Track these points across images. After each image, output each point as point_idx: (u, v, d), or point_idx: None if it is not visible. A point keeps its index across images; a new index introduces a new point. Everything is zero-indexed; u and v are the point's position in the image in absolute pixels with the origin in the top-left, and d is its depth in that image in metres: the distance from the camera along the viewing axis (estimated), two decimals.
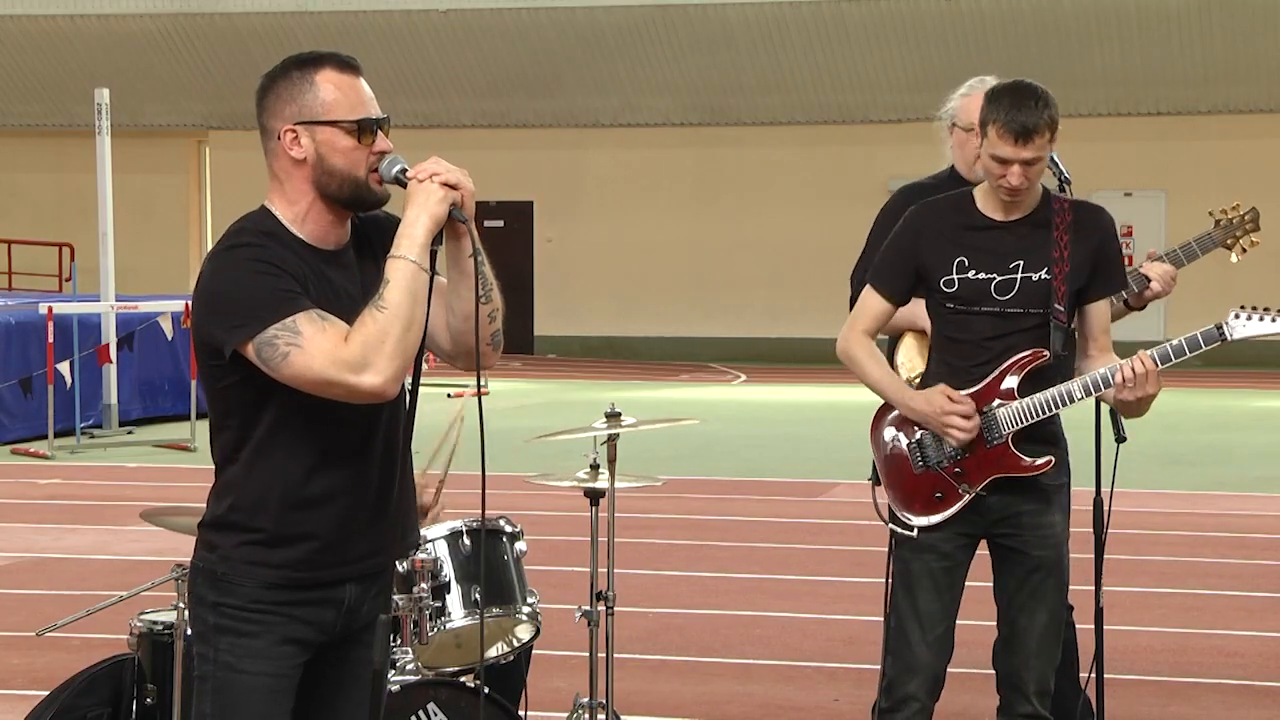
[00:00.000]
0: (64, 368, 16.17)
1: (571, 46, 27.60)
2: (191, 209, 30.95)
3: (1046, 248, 4.84)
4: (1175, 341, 4.83)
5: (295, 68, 3.61)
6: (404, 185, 3.56)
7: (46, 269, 29.76)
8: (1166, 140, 27.34)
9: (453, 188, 3.51)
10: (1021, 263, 4.84)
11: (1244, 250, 5.88)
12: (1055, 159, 5.44)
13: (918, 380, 5.19)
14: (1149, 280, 5.60)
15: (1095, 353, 4.95)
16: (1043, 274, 4.83)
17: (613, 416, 5.67)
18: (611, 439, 5.70)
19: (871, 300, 5.00)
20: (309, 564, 3.62)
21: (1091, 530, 5.44)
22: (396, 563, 5.18)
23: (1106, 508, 5.37)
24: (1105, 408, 5.21)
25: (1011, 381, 4.84)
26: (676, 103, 28.68)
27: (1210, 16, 25.55)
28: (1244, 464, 15.36)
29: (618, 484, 5.75)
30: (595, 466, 5.78)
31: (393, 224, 3.60)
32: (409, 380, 3.66)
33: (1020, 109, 4.69)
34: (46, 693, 5.16)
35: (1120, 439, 5.35)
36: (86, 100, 19.32)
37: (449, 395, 21.14)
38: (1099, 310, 4.96)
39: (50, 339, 16.15)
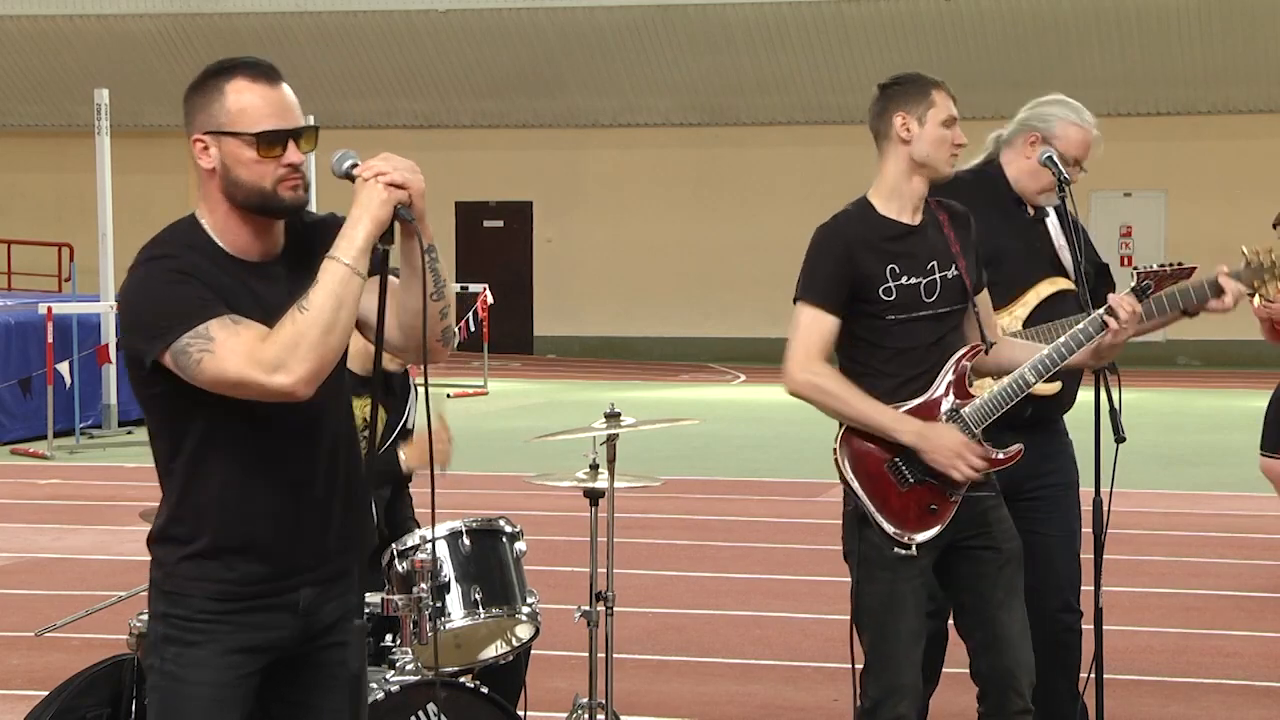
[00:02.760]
0: (63, 368, 16.17)
1: (571, 47, 27.59)
2: (190, 209, 30.94)
3: (946, 246, 4.91)
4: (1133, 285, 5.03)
5: (210, 76, 3.56)
6: (354, 181, 3.49)
7: (46, 269, 29.76)
8: (1166, 140, 27.33)
9: (400, 187, 3.42)
10: (935, 263, 4.88)
11: (1269, 300, 5.82)
12: (1054, 159, 5.44)
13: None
14: (1222, 291, 5.56)
15: (993, 339, 5.00)
16: (952, 271, 4.89)
17: (612, 417, 5.67)
18: (611, 439, 5.70)
19: (821, 322, 4.82)
20: (252, 577, 3.59)
21: (1091, 530, 5.45)
22: (397, 562, 5.20)
23: (1106, 508, 5.36)
24: (1105, 408, 5.21)
25: (960, 379, 4.86)
26: (676, 103, 28.67)
27: (1210, 17, 25.54)
28: (1244, 464, 15.30)
29: (617, 484, 5.75)
30: (595, 466, 5.78)
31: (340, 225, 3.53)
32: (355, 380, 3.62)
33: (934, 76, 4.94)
34: (46, 693, 5.15)
35: (1120, 439, 5.35)
36: (86, 101, 19.31)
37: (448, 395, 21.15)
38: (986, 299, 5.04)
39: (50, 339, 16.15)
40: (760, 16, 26.50)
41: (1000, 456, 4.89)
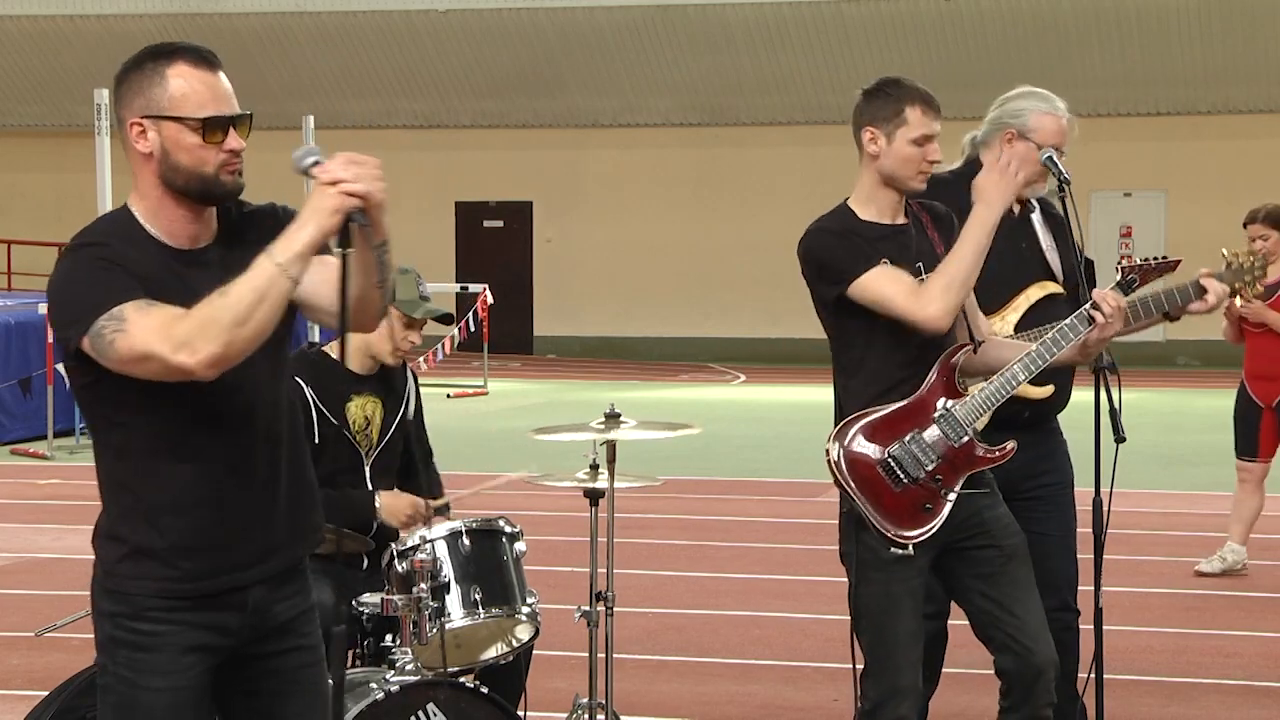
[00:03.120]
0: (63, 368, 16.15)
1: (571, 47, 27.59)
2: None
3: (930, 246, 4.92)
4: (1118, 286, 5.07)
5: (149, 59, 3.53)
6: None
7: (46, 269, 29.38)
8: (1166, 140, 27.33)
9: (359, 196, 3.36)
10: (921, 264, 4.89)
11: (1248, 300, 5.88)
12: (1054, 159, 5.44)
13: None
14: (1205, 291, 5.57)
15: (980, 338, 5.00)
16: None
17: (612, 417, 5.67)
18: (610, 440, 5.71)
19: (885, 272, 4.78)
20: (193, 574, 3.56)
21: (1091, 530, 5.45)
22: (395, 563, 5.20)
23: (1106, 508, 5.37)
24: (1105, 408, 5.21)
25: (953, 378, 4.87)
26: (676, 103, 28.67)
27: (1210, 17, 25.54)
28: None
29: (617, 484, 5.75)
30: (595, 467, 5.78)
31: (287, 217, 3.51)
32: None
33: (921, 88, 4.88)
34: (46, 693, 5.16)
35: (1120, 439, 5.36)
36: (86, 101, 19.30)
37: (448, 395, 21.15)
38: (972, 298, 5.02)
39: (50, 339, 16.15)
40: (760, 16, 26.50)
41: (996, 453, 4.89)
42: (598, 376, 25.41)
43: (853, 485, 4.84)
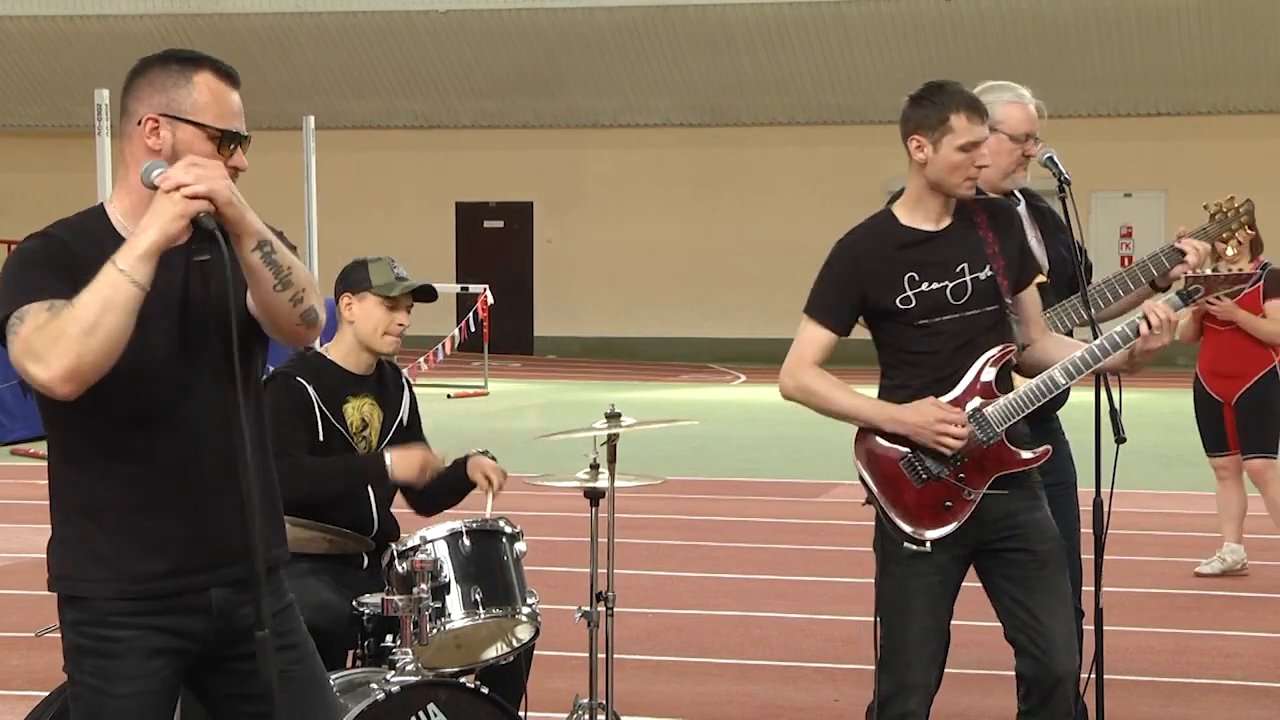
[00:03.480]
0: None
1: (571, 47, 27.59)
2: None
3: (980, 246, 4.92)
4: (1171, 297, 5.02)
5: (176, 61, 3.56)
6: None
7: None
8: (1166, 141, 27.33)
9: (202, 197, 3.34)
10: (966, 265, 4.89)
11: (1239, 243, 5.87)
12: (1055, 159, 5.44)
13: None
14: (1182, 254, 5.57)
15: (1038, 336, 5.04)
16: (986, 271, 4.90)
17: (613, 417, 5.67)
18: (611, 439, 5.71)
19: (815, 334, 4.94)
20: (142, 576, 3.53)
21: (1092, 530, 5.45)
22: (395, 563, 5.19)
23: (1106, 508, 5.37)
24: (1105, 408, 5.22)
25: (988, 379, 4.88)
26: (676, 103, 28.67)
27: (1210, 17, 25.54)
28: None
29: (617, 484, 5.75)
30: (595, 466, 5.78)
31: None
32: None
33: (969, 92, 4.89)
34: (46, 693, 5.15)
35: (1120, 440, 5.36)
36: (86, 101, 19.27)
37: (448, 396, 21.15)
38: (1032, 296, 5.07)
39: None
40: (760, 16, 26.50)
41: (1026, 456, 4.89)
42: (598, 377, 25.41)
43: (872, 482, 4.89)
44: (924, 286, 4.86)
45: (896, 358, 4.96)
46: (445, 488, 5.71)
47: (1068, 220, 5.59)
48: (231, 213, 3.37)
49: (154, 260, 3.35)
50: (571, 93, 28.68)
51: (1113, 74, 26.54)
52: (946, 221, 4.94)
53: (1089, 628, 5.56)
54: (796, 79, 27.64)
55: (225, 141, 3.52)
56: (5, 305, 3.44)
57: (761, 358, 27.79)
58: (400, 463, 5.50)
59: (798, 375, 4.93)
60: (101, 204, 3.60)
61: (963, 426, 4.80)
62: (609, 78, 28.26)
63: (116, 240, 3.48)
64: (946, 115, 4.83)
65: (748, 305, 28.57)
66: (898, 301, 4.86)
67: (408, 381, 5.86)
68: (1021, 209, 5.68)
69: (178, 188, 3.33)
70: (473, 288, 23.15)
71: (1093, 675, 5.49)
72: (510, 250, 29.75)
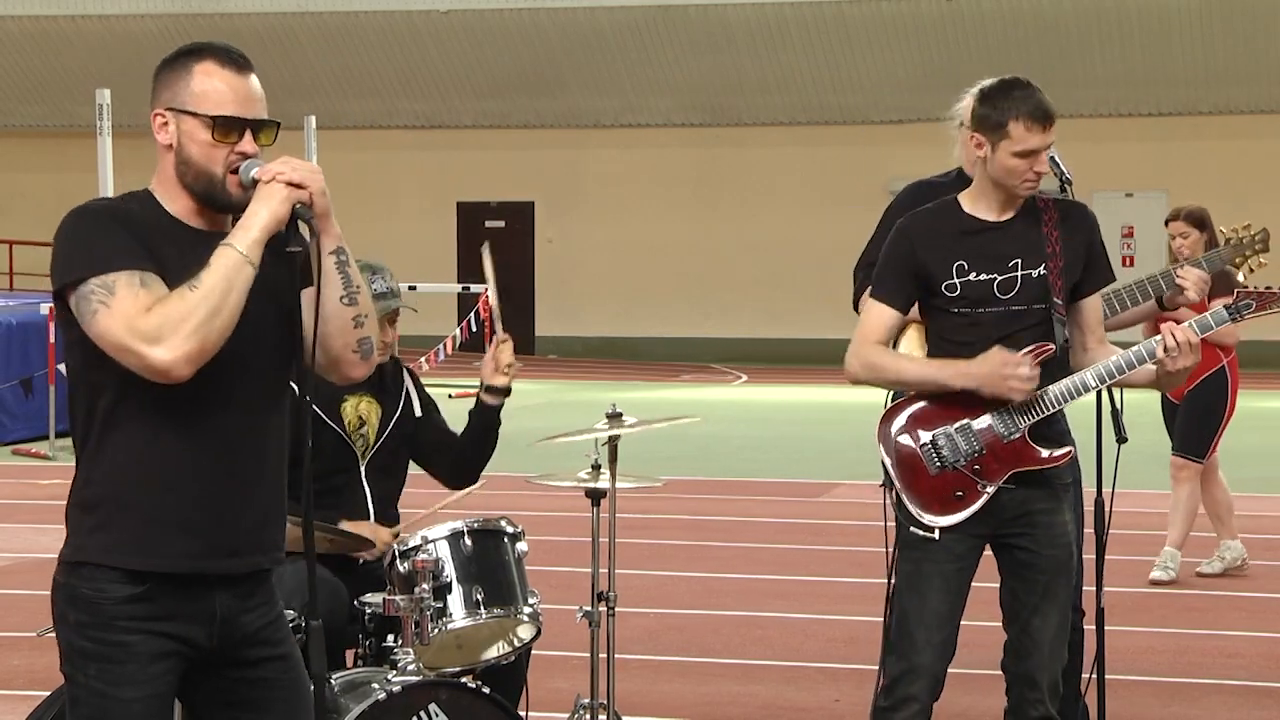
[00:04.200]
0: (64, 368, 16.16)
1: (572, 47, 27.59)
2: None
3: (1040, 244, 4.91)
4: (1202, 317, 4.95)
5: (181, 55, 3.59)
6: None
7: (47, 270, 29.63)
8: (1167, 141, 27.32)
9: (299, 185, 3.44)
10: (1019, 260, 4.90)
11: (1251, 270, 5.89)
12: (1056, 159, 5.44)
13: None
14: (1182, 289, 5.59)
15: (1093, 345, 5.03)
16: (1040, 270, 4.90)
17: (614, 417, 5.67)
18: (612, 439, 5.70)
19: (878, 312, 4.97)
20: (159, 551, 3.51)
21: (1093, 530, 5.45)
22: (396, 563, 5.19)
23: (1108, 508, 5.37)
24: (1106, 408, 5.22)
25: None
26: (677, 103, 28.67)
27: (1211, 17, 25.54)
28: (1244, 464, 15.32)
29: (619, 484, 5.75)
30: (596, 467, 5.78)
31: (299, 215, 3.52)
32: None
33: (1035, 97, 4.81)
34: (47, 693, 5.15)
35: (1122, 439, 5.36)
36: (87, 101, 19.28)
37: (450, 396, 21.14)
38: (1093, 305, 5.05)
39: (51, 339, 16.12)
40: (761, 16, 26.50)
41: (1045, 455, 4.90)
42: (599, 377, 25.41)
43: (891, 463, 4.95)
44: (971, 276, 4.88)
45: (938, 344, 5.00)
46: (470, 438, 5.67)
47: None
48: (323, 204, 3.47)
49: (264, 244, 3.42)
50: (572, 93, 28.69)
51: (1114, 74, 26.53)
52: (1009, 214, 4.94)
53: (1090, 628, 5.56)
54: (797, 79, 27.64)
55: (220, 127, 3.51)
56: (79, 266, 3.43)
57: (763, 358, 27.83)
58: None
59: (862, 353, 4.95)
60: (147, 188, 3.63)
61: (1032, 368, 4.79)
62: (610, 78, 28.26)
63: (164, 216, 3.55)
64: (1005, 121, 4.82)
65: (749, 305, 28.58)
66: (944, 287, 4.89)
67: (409, 372, 5.83)
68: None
69: (276, 176, 3.44)
70: (474, 288, 23.14)
71: (1094, 675, 5.50)
72: (511, 250, 29.73)
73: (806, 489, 13.39)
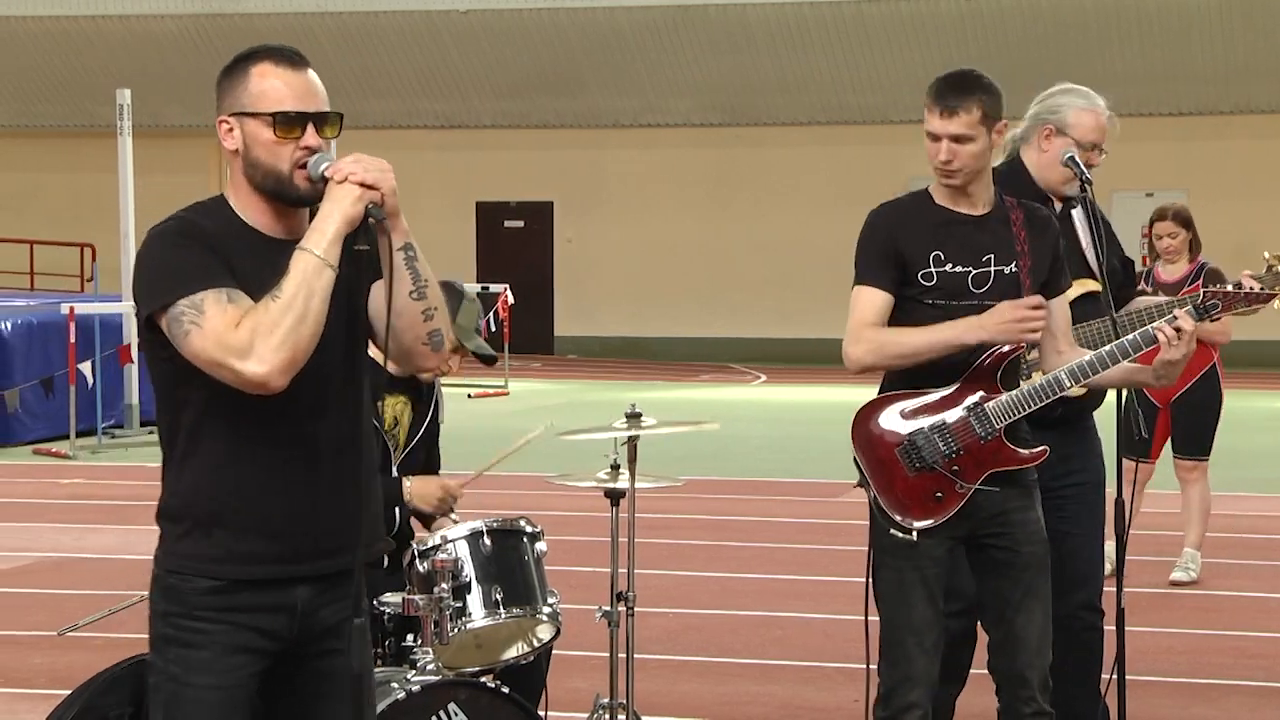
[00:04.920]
0: (85, 368, 16.21)
1: (592, 47, 27.61)
2: None
3: (1010, 241, 4.92)
4: (1186, 309, 4.95)
5: (238, 61, 3.64)
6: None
7: (68, 269, 29.83)
8: (1188, 140, 27.26)
9: (371, 187, 3.47)
10: (992, 256, 4.91)
11: None
12: (1076, 159, 5.44)
13: None
14: (1180, 330, 5.56)
15: (1065, 348, 5.01)
16: (1011, 267, 4.91)
17: (633, 417, 5.67)
18: (631, 439, 5.71)
19: (868, 296, 4.92)
20: (251, 556, 3.57)
21: (1114, 531, 5.45)
22: (416, 563, 5.20)
23: (1128, 509, 5.37)
24: (1120, 409, 5.21)
25: (994, 375, 4.87)
26: (696, 103, 28.67)
27: (1231, 15, 25.47)
28: (1262, 465, 15.32)
29: (638, 484, 5.76)
30: (615, 467, 5.78)
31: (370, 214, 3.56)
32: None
33: (945, 80, 4.89)
34: (68, 692, 5.17)
35: (1139, 439, 5.35)
36: (108, 101, 19.35)
37: (469, 396, 21.17)
38: (1061, 306, 5.04)
39: (72, 339, 16.19)
40: (780, 16, 26.48)
41: (1024, 454, 4.89)
42: (618, 376, 25.41)
43: (866, 467, 4.91)
44: (947, 267, 4.87)
45: None
46: None
47: (1091, 212, 5.58)
48: (393, 204, 3.50)
49: (340, 245, 3.46)
50: (592, 93, 28.70)
51: (1134, 73, 26.47)
52: (981, 210, 4.95)
53: (1110, 628, 5.56)
54: (816, 78, 27.62)
55: (279, 123, 3.55)
56: (166, 292, 3.47)
57: (782, 358, 27.82)
58: (419, 491, 5.51)
59: (863, 336, 4.90)
60: (221, 194, 3.67)
61: (1039, 309, 4.80)
62: (629, 78, 28.27)
63: (242, 226, 3.60)
64: (926, 105, 4.90)
65: (768, 305, 28.56)
66: (920, 276, 4.87)
67: (439, 384, 5.87)
68: (1078, 212, 5.69)
69: (347, 176, 3.47)
70: (493, 287, 23.17)
71: (1114, 676, 5.49)
72: (531, 250, 29.78)
73: (825, 489, 13.38)
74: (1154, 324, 4.91)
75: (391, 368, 4.37)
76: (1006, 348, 4.85)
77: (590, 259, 29.53)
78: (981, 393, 4.86)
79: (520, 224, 29.92)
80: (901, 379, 4.93)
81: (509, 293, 22.77)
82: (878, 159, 27.49)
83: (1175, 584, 9.56)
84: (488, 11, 27.11)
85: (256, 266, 3.52)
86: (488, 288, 23.40)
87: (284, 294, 3.41)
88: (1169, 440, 9.55)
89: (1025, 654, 4.92)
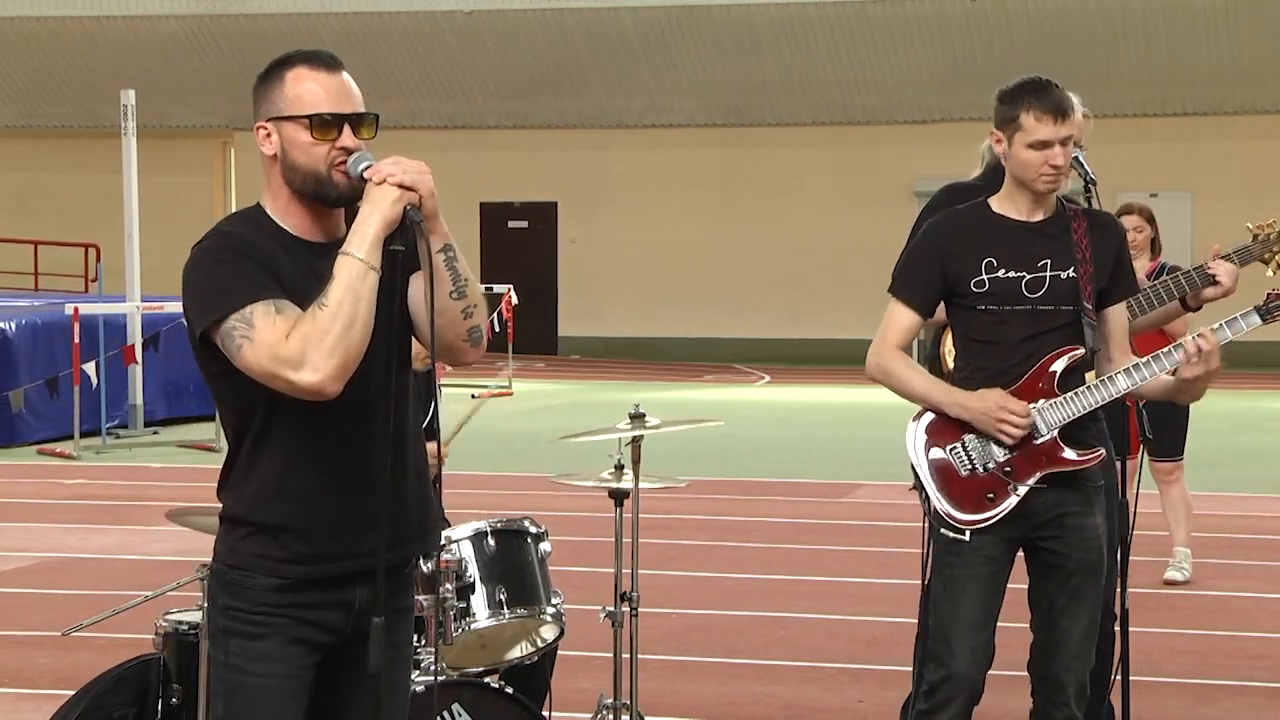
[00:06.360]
0: (90, 368, 16.22)
1: (596, 47, 27.61)
2: (216, 210, 30.95)
3: (1070, 248, 4.92)
4: (1232, 320, 4.98)
5: (273, 67, 3.68)
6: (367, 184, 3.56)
7: (72, 270, 29.85)
8: (1193, 141, 27.25)
9: (409, 189, 3.51)
10: (1049, 261, 4.91)
11: (1279, 267, 5.87)
12: (1081, 160, 5.44)
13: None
14: (1214, 278, 5.59)
15: (1117, 355, 5.02)
16: (1070, 272, 4.91)
17: (637, 417, 5.67)
18: (635, 440, 5.71)
19: (900, 314, 4.99)
20: (315, 556, 3.63)
21: (1117, 531, 5.44)
22: (422, 563, 5.20)
23: (1132, 509, 5.37)
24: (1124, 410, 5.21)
25: (1050, 378, 4.88)
26: (701, 103, 28.67)
27: (1237, 16, 25.47)
28: (1268, 465, 15.32)
29: (641, 484, 5.75)
30: (619, 467, 5.78)
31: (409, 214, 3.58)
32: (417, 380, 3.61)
33: (1048, 91, 4.85)
34: (72, 692, 5.17)
35: (1145, 439, 5.34)
36: (112, 101, 19.37)
37: (473, 395, 21.17)
38: (1119, 313, 5.05)
39: (76, 339, 16.20)
40: (785, 17, 26.49)
41: (1073, 457, 4.89)
42: (622, 377, 25.42)
43: (924, 466, 4.95)
44: (1000, 273, 4.88)
45: (964, 343, 5.01)
46: None
47: None
48: (432, 206, 3.53)
49: (380, 247, 3.48)
50: (596, 93, 28.70)
51: (1139, 73, 26.47)
52: (1040, 216, 4.95)
53: (1115, 629, 5.55)
54: (821, 79, 27.62)
55: (317, 125, 3.59)
56: (215, 308, 3.51)
57: (786, 358, 27.82)
58: None
59: (881, 355, 5.00)
60: (258, 203, 3.70)
61: (1024, 418, 4.81)
62: (634, 78, 28.27)
63: (281, 234, 3.63)
64: (1017, 112, 4.86)
65: (772, 305, 28.57)
66: (972, 284, 4.89)
67: (438, 387, 5.87)
68: None
69: (387, 178, 3.51)
70: (497, 288, 23.18)
71: (1119, 676, 5.49)
72: (535, 250, 29.78)
73: (830, 489, 13.37)
74: (1174, 345, 4.90)
75: (416, 362, 4.41)
76: (1064, 349, 4.86)
77: (594, 259, 29.53)
78: (1040, 397, 4.87)
79: (524, 224, 29.92)
80: (964, 380, 4.96)
81: (513, 293, 22.78)
82: (883, 159, 27.50)
83: (1170, 583, 9.56)
84: (491, 12, 27.12)
85: (300, 272, 3.57)
86: (492, 288, 23.39)
87: (331, 301, 3.44)
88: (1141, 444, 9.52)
89: (1063, 657, 4.94)
